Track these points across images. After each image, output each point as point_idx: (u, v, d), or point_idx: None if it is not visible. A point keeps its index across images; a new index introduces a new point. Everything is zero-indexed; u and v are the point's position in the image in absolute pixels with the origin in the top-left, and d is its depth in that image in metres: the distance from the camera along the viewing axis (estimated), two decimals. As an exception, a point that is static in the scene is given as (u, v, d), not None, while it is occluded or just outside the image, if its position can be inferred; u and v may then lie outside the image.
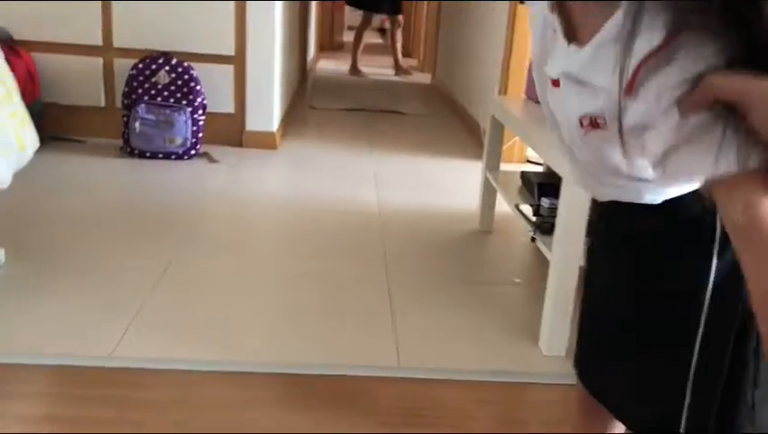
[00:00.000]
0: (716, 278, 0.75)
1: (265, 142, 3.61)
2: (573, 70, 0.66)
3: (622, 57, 0.57)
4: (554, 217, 1.86)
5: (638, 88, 0.58)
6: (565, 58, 0.68)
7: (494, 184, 2.51)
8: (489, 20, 4.06)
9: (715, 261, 0.75)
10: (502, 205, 2.50)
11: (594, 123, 0.67)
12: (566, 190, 1.72)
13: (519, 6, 3.51)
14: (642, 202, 0.77)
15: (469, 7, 4.73)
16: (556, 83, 0.72)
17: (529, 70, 2.54)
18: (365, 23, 6.47)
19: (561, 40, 0.69)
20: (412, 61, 7.63)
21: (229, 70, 3.52)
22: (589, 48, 0.63)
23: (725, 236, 0.68)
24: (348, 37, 9.08)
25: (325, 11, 7.58)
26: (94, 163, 3.18)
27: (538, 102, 2.36)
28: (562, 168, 1.77)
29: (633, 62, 0.57)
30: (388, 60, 7.27)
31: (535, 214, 2.14)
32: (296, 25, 4.70)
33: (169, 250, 2.25)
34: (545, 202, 2.09)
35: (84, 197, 2.73)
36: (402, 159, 3.72)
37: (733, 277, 0.69)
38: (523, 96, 2.58)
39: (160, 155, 3.23)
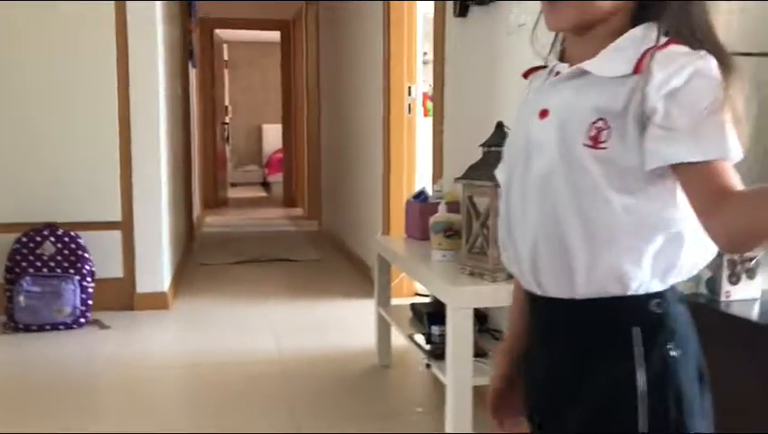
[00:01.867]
0: (643, 388, 0.81)
1: (156, 303, 3.60)
2: (592, 68, 0.82)
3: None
4: (444, 343, 2.00)
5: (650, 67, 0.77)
6: (561, 84, 0.86)
7: (387, 319, 2.64)
8: (367, 164, 4.37)
9: (640, 375, 0.82)
10: (398, 338, 2.62)
11: (599, 131, 0.79)
12: (451, 315, 1.88)
13: (393, 152, 3.83)
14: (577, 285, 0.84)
15: (348, 153, 5.06)
16: (544, 114, 0.85)
17: (407, 210, 2.77)
18: None
19: (553, 77, 0.87)
20: (297, 211, 7.88)
21: (116, 235, 3.55)
22: (603, 53, 0.83)
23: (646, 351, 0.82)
24: (232, 193, 9.29)
25: (208, 168, 7.79)
26: (-26, 343, 3.04)
27: (417, 239, 2.57)
28: (445, 295, 1.94)
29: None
30: (274, 211, 7.48)
31: (427, 342, 2.27)
32: (181, 184, 4.82)
33: (62, 426, 2.17)
34: (435, 329, 2.23)
35: (-34, 380, 2.60)
36: (297, 305, 3.80)
37: (660, 387, 0.81)
38: (404, 235, 2.79)
39: (48, 327, 3.15)
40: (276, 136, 9.78)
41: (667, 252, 0.83)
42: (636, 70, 0.79)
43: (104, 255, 3.46)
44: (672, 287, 0.85)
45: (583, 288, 0.84)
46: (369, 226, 4.19)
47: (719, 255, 1.46)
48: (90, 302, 3.28)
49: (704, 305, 1.50)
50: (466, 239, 2.01)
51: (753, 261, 1.47)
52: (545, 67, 0.95)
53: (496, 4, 2.25)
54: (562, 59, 0.92)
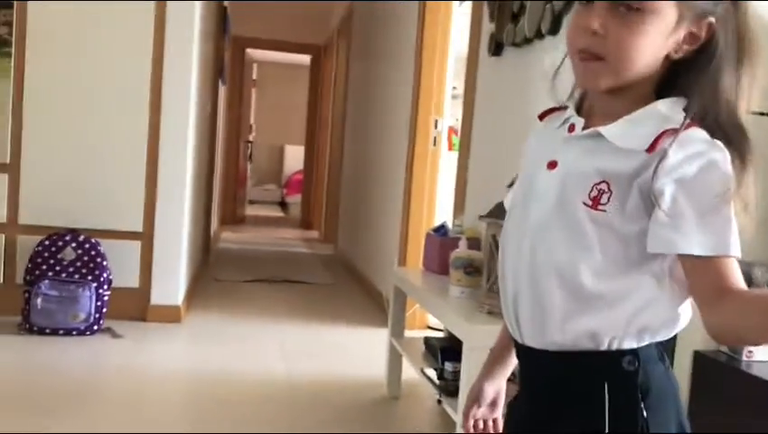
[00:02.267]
0: None
1: (169, 316, 3.61)
2: (608, 135, 0.83)
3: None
4: (457, 380, 1.99)
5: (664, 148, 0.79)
6: (575, 141, 0.87)
7: (400, 350, 2.63)
8: (388, 194, 4.39)
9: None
10: (408, 371, 2.60)
11: (600, 193, 0.81)
12: (466, 353, 1.87)
13: (414, 183, 3.85)
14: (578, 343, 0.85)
15: (368, 180, 5.09)
16: (552, 165, 0.86)
17: (426, 243, 2.78)
18: None
19: (571, 132, 0.88)
20: (313, 233, 7.90)
21: (136, 245, 3.58)
22: (622, 122, 0.84)
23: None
24: (250, 211, 9.35)
25: (228, 185, 7.85)
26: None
27: (434, 272, 2.57)
28: (461, 333, 1.93)
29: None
30: (290, 232, 7.52)
31: (439, 378, 2.26)
32: (202, 199, 4.87)
33: (62, 431, 2.18)
34: (448, 365, 2.22)
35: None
36: (308, 329, 3.80)
37: None
38: (421, 267, 2.79)
39: (61, 332, 3.16)
40: (297, 158, 9.86)
41: (642, 314, 0.84)
42: (651, 148, 0.80)
43: (122, 264, 3.48)
44: (649, 346, 0.85)
45: (556, 341, 0.86)
46: (385, 255, 4.20)
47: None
48: (105, 310, 3.30)
49: (724, 364, 1.48)
50: (487, 277, 2.01)
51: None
52: (561, 108, 0.95)
53: (531, 47, 2.28)
54: (579, 110, 0.91)
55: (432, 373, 2.33)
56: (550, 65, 2.18)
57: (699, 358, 1.52)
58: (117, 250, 3.47)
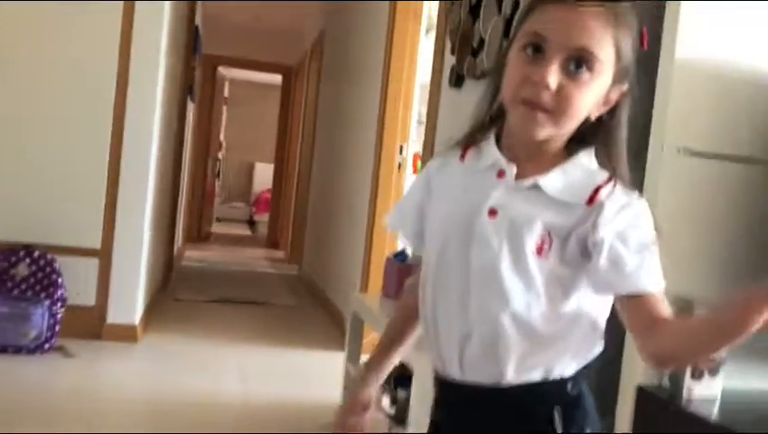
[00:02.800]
0: None
1: (125, 335, 3.55)
2: (548, 189, 0.89)
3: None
4: (409, 407, 1.99)
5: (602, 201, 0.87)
6: (513, 190, 0.90)
7: (355, 376, 2.63)
8: (353, 217, 4.39)
9: None
10: (363, 397, 2.59)
11: (543, 242, 0.87)
12: (416, 382, 1.88)
13: (379, 207, 3.86)
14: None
15: (334, 202, 5.10)
16: (493, 213, 0.90)
17: (386, 269, 2.79)
18: None
19: (505, 181, 0.91)
20: (279, 253, 7.86)
21: (93, 262, 3.52)
22: (556, 173, 0.89)
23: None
24: (217, 228, 9.27)
25: (194, 202, 7.79)
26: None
27: (392, 299, 2.57)
28: (412, 361, 1.94)
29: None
30: (256, 251, 7.47)
31: (393, 403, 2.26)
32: (165, 215, 4.82)
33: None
34: (401, 392, 2.22)
35: None
36: (267, 351, 3.77)
37: None
38: (380, 293, 2.80)
39: (10, 350, 3.09)
40: (267, 176, 9.82)
41: (583, 342, 0.94)
42: (590, 202, 0.88)
43: (78, 281, 3.43)
44: (580, 370, 0.94)
45: (510, 379, 0.92)
46: (348, 278, 4.19)
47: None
48: (58, 328, 3.23)
49: (665, 401, 1.51)
50: (440, 306, 2.02)
51: (718, 359, 1.49)
52: (474, 145, 0.98)
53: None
54: (498, 147, 0.95)
55: (385, 400, 2.33)
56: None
57: (642, 393, 1.55)
58: (74, 267, 3.41)
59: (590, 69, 0.85)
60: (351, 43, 5.00)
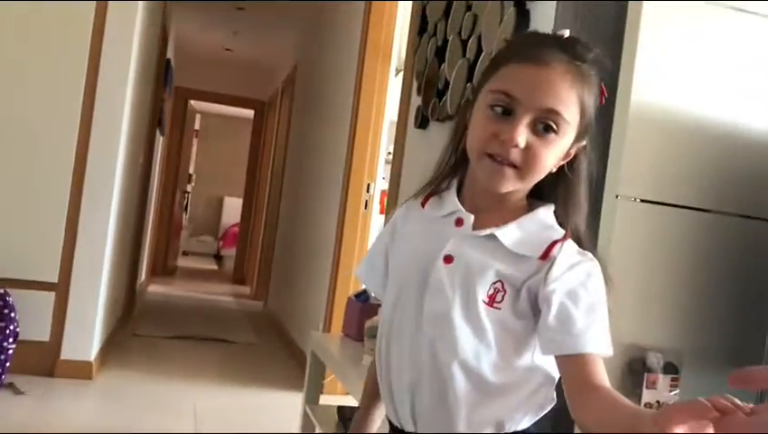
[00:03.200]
0: None
1: (80, 372, 3.44)
2: (505, 241, 0.89)
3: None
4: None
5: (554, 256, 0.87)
6: (470, 239, 0.91)
7: (312, 419, 2.57)
8: (318, 254, 4.36)
9: None
10: (321, 440, 2.54)
11: (496, 292, 0.87)
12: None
13: (344, 245, 3.84)
14: None
15: (301, 239, 5.06)
16: (448, 260, 0.90)
17: (347, 309, 2.75)
18: None
19: (462, 229, 0.92)
20: (245, 289, 7.76)
21: (50, 297, 3.43)
22: (514, 227, 0.90)
23: None
24: (183, 262, 9.14)
25: (161, 235, 7.69)
26: None
27: (353, 339, 2.54)
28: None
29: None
30: (222, 286, 7.36)
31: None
32: (128, 249, 4.73)
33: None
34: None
35: None
36: (226, 390, 3.68)
37: None
38: (341, 333, 2.76)
39: (-44, 386, 2.98)
40: (236, 210, 9.75)
41: (533, 398, 0.92)
42: (544, 256, 0.89)
43: (32, 316, 3.32)
44: (533, 425, 0.93)
45: (460, 430, 0.90)
46: (312, 316, 4.14)
47: (638, 397, 1.48)
48: (8, 364, 3.13)
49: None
50: (398, 349, 2.00)
51: (669, 401, 1.49)
52: (436, 193, 0.99)
53: (453, 122, 2.34)
54: (459, 196, 0.96)
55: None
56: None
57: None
58: (29, 301, 3.31)
59: (557, 129, 0.87)
60: (322, 80, 5.03)
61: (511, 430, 0.90)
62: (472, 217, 0.92)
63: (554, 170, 0.92)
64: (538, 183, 0.92)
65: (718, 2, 1.45)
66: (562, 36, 0.91)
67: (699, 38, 1.45)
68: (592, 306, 0.86)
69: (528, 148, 0.86)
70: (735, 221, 1.49)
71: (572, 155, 0.93)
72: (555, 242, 0.89)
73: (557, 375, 0.92)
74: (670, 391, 1.45)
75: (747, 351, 1.44)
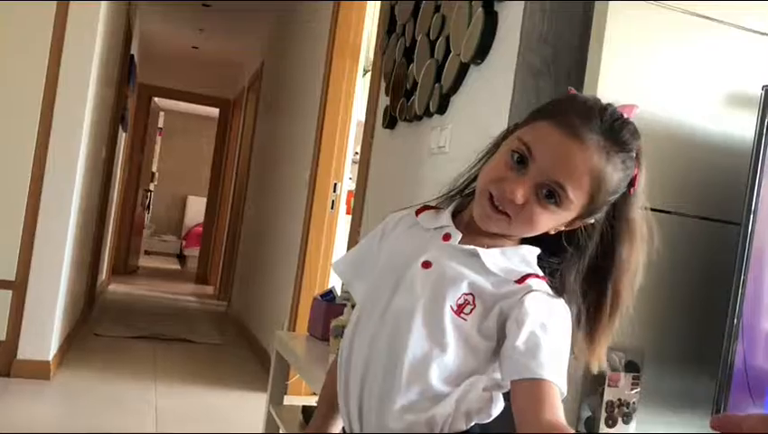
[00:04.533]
0: None
1: (37, 372, 3.36)
2: (486, 260, 0.90)
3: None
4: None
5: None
6: (451, 250, 0.92)
7: (276, 419, 2.55)
8: (284, 254, 4.33)
9: None
10: (284, 440, 2.52)
11: (466, 303, 0.87)
12: (337, 426, 1.83)
13: (310, 245, 3.82)
14: None
15: (265, 239, 5.02)
16: (427, 265, 0.91)
17: (313, 308, 2.74)
18: None
19: (446, 240, 0.93)
20: (208, 289, 7.67)
21: (6, 295, 3.34)
22: (498, 253, 0.91)
23: None
24: (144, 261, 9.00)
25: (122, 234, 7.56)
26: None
27: (318, 339, 2.53)
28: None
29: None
30: (184, 286, 7.26)
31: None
32: (88, 247, 4.64)
33: None
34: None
35: None
36: (188, 391, 3.63)
37: None
38: (306, 333, 2.75)
39: None
40: (199, 209, 9.64)
41: (473, 403, 0.91)
42: (519, 281, 0.89)
43: (-12, 314, 3.24)
44: (473, 426, 0.92)
45: (392, 427, 0.89)
46: (277, 317, 4.12)
47: (600, 395, 1.51)
48: (-38, 364, 3.04)
49: (582, 444, 1.52)
50: (363, 348, 2.00)
51: (631, 405, 1.51)
52: (435, 208, 1.01)
53: (421, 123, 2.35)
54: (454, 215, 0.98)
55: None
56: (435, 143, 2.26)
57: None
58: (-16, 299, 3.23)
59: (558, 204, 0.87)
60: (289, 79, 5.01)
61: (445, 431, 0.89)
62: (460, 235, 0.93)
63: (552, 233, 0.92)
64: (536, 237, 0.93)
65: (676, 4, 1.48)
66: (616, 115, 0.89)
67: (662, 40, 1.48)
68: (558, 345, 0.86)
69: (524, 206, 0.87)
70: (695, 223, 1.52)
71: (574, 226, 0.93)
72: (531, 274, 0.91)
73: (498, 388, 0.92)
74: (632, 389, 1.48)
75: (707, 350, 1.47)
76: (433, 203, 1.03)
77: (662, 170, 1.50)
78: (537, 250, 0.94)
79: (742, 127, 1.49)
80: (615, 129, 0.87)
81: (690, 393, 1.53)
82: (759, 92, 1.39)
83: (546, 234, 0.92)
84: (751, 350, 1.41)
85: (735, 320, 1.38)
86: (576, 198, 0.87)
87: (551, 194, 0.87)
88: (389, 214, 1.07)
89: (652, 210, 1.50)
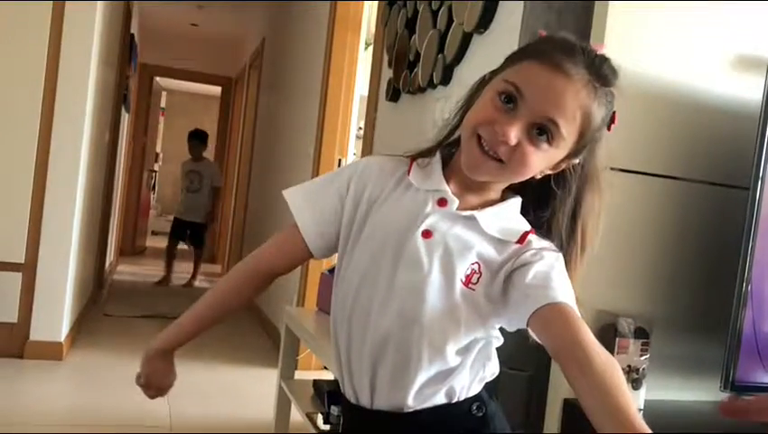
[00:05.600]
0: None
1: (50, 353, 3.40)
2: (485, 226, 0.90)
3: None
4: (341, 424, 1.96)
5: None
6: (451, 217, 0.91)
7: (288, 394, 2.58)
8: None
9: None
10: (298, 413, 2.55)
11: (473, 273, 0.88)
12: (348, 399, 1.84)
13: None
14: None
15: (272, 216, 5.03)
16: (427, 234, 0.89)
17: (321, 283, 2.75)
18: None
19: (442, 207, 0.91)
20: (216, 268, 7.71)
21: (16, 277, 3.37)
22: (491, 214, 0.91)
23: None
24: (151, 242, 9.02)
25: (129, 215, 7.58)
26: None
27: (328, 313, 2.54)
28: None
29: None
30: (192, 266, 7.28)
31: (326, 422, 2.22)
32: (96, 229, 4.66)
33: None
34: (334, 409, 2.19)
35: None
36: (198, 368, 3.66)
37: None
38: (316, 308, 2.76)
39: None
40: (204, 189, 9.61)
41: (485, 369, 0.95)
42: (519, 241, 0.90)
43: (0, 297, 3.27)
44: (486, 386, 0.95)
45: (410, 405, 0.90)
46: (285, 293, 4.14)
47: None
48: (-25, 346, 3.07)
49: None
50: (372, 321, 2.00)
51: (641, 371, 1.52)
52: (422, 158, 0.99)
53: (424, 94, 2.33)
54: (444, 173, 0.95)
55: (319, 418, 2.29)
56: (440, 114, 2.24)
57: (568, 406, 1.56)
58: (-5, 282, 3.26)
59: (550, 140, 0.86)
60: (290, 55, 4.97)
61: (462, 398, 0.92)
62: (457, 202, 0.92)
63: (538, 177, 0.91)
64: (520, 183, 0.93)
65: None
66: (594, 52, 0.88)
67: (669, 5, 1.46)
68: (567, 281, 0.88)
69: (517, 147, 0.86)
70: (703, 189, 1.51)
71: (560, 169, 0.93)
72: (528, 232, 0.92)
73: (496, 344, 0.95)
74: (641, 355, 1.48)
75: (715, 316, 1.47)
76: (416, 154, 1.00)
77: (670, 136, 1.49)
78: (519, 199, 0.95)
79: (750, 90, 1.47)
80: (597, 65, 0.87)
81: (700, 359, 1.53)
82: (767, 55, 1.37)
83: (531, 180, 0.91)
84: (760, 315, 1.41)
85: (744, 286, 1.37)
86: (569, 134, 0.86)
87: (542, 133, 0.86)
88: (363, 160, 1.02)
89: (661, 176, 1.50)
